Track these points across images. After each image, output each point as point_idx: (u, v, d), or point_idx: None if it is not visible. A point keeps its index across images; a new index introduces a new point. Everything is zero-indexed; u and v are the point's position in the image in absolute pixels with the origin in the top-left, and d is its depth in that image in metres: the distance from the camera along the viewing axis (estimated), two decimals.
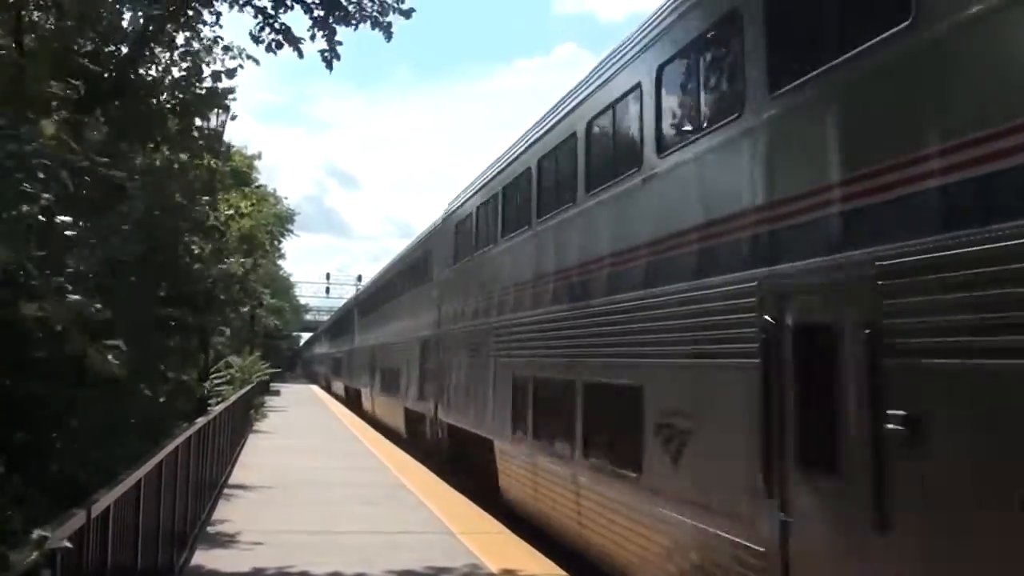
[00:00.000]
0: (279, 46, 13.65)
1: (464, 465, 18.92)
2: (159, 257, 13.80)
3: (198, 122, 15.02)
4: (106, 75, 12.34)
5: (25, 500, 9.56)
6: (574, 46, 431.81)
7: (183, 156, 15.08)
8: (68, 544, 4.69)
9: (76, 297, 6.17)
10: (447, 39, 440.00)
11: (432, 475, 20.64)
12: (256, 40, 13.47)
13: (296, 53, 13.57)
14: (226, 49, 14.27)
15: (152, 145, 14.06)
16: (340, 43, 13.45)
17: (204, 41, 14.08)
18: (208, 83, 13.91)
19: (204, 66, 13.94)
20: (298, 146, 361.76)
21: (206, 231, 16.98)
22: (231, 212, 20.68)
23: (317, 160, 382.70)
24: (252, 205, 27.46)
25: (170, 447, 9.93)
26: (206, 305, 17.09)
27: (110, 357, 7.61)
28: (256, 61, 14.30)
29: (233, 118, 18.32)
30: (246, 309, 30.67)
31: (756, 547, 7.18)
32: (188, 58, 13.93)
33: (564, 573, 11.18)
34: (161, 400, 15.16)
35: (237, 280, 21.88)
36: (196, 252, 16.02)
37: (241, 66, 14.26)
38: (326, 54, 13.40)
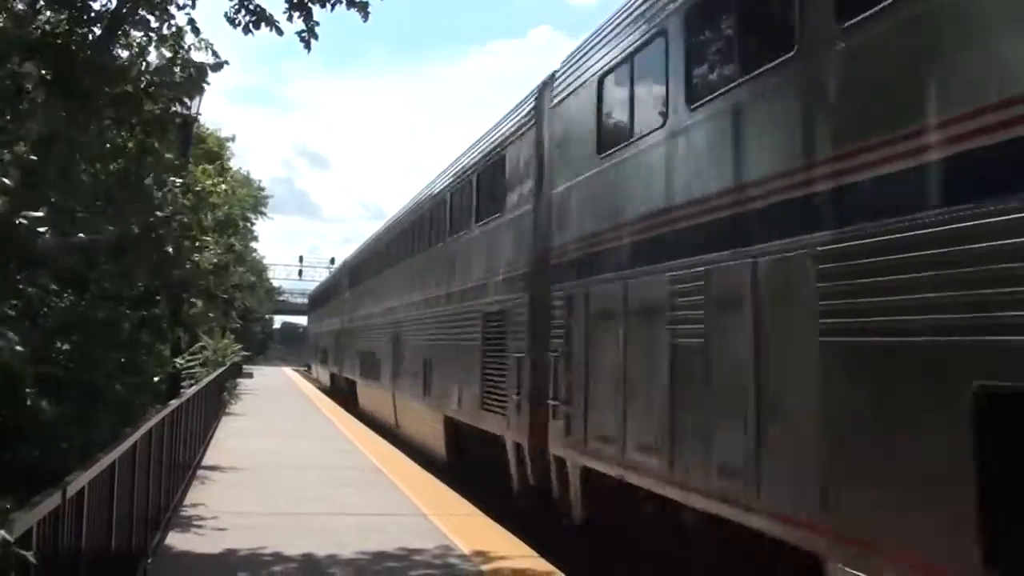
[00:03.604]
0: (255, 26, 13.58)
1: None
2: (133, 248, 13.74)
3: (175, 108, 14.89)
4: (78, 52, 12.24)
5: None
6: (549, 29, 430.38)
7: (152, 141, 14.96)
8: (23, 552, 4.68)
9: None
10: (422, 20, 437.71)
11: (406, 458, 20.74)
12: (232, 22, 13.41)
13: (275, 31, 13.52)
14: (196, 31, 14.12)
15: (126, 128, 13.96)
16: (317, 23, 13.42)
17: (173, 28, 13.92)
18: (188, 70, 13.79)
19: (184, 53, 13.81)
20: (268, 126, 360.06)
21: (179, 211, 16.87)
22: (202, 188, 20.49)
23: (287, 141, 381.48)
24: (224, 186, 27.24)
25: (144, 428, 9.96)
26: (181, 294, 17.00)
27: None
28: (226, 62, 14.15)
29: (201, 91, 18.13)
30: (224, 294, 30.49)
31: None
32: (161, 43, 13.82)
33: (535, 554, 11.32)
34: (135, 381, 15.11)
35: (213, 273, 21.76)
36: (174, 234, 15.91)
37: (223, 63, 14.12)
38: (303, 34, 13.37)
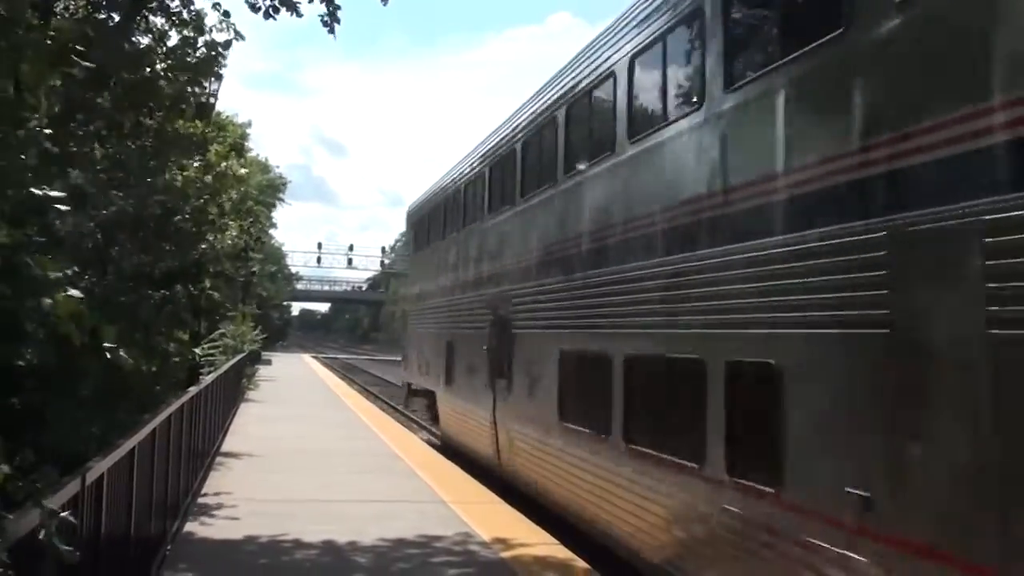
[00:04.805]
0: (275, 10, 13.52)
1: None
2: (153, 224, 13.75)
3: (190, 89, 14.89)
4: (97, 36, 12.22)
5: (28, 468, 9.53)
6: (568, 15, 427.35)
7: (179, 122, 14.95)
8: (70, 518, 4.66)
9: (76, 293, 6.10)
10: (439, 6, 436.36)
11: (425, 445, 20.71)
12: (252, 7, 13.35)
13: (295, 15, 13.46)
14: (217, 9, 14.10)
15: (147, 112, 13.95)
16: (339, 7, 13.35)
17: (193, 10, 13.92)
18: (202, 51, 13.77)
19: (199, 35, 13.78)
20: (286, 114, 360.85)
21: (198, 190, 16.87)
22: (217, 171, 20.49)
23: (305, 128, 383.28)
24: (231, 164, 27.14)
25: (163, 415, 9.94)
26: (198, 276, 17.02)
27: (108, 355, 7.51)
28: (242, 37, 14.12)
29: (219, 78, 18.16)
30: (241, 278, 30.51)
31: None
32: (182, 27, 13.80)
33: (556, 541, 11.26)
34: (153, 370, 15.13)
35: (231, 256, 21.75)
36: (188, 216, 15.93)
37: (240, 37, 14.10)
38: (325, 18, 13.31)
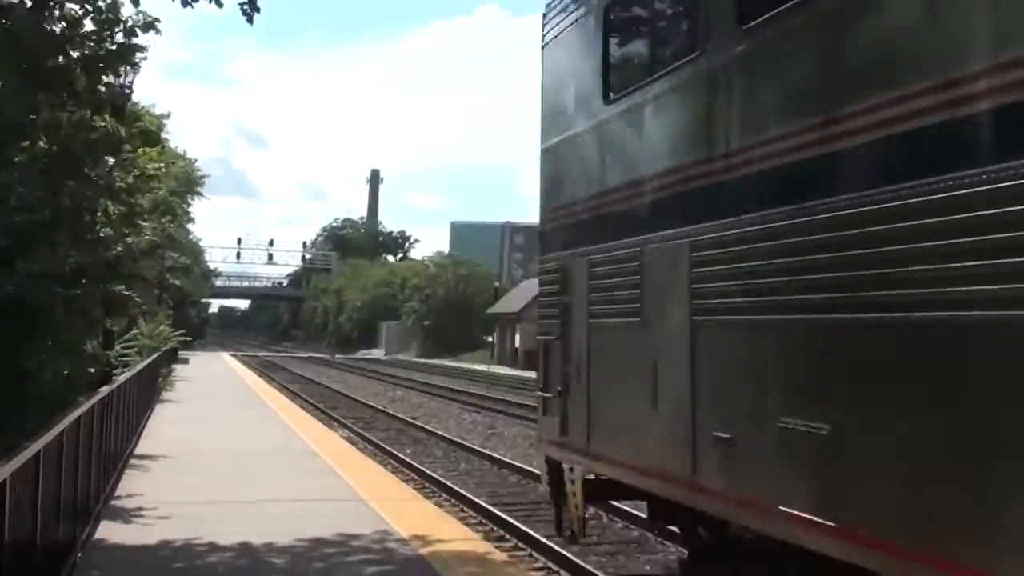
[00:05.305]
0: None
1: None
2: (64, 223, 13.43)
3: (106, 79, 14.55)
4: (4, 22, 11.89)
5: None
6: (495, 7, 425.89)
7: (87, 113, 14.58)
8: None
9: None
10: None
11: (344, 443, 20.60)
12: None
13: (213, 3, 13.24)
14: (135, 2, 13.79)
15: (58, 102, 13.59)
16: None
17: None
18: (119, 38, 13.47)
19: (115, 24, 13.46)
20: (206, 105, 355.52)
21: (113, 194, 16.48)
22: (139, 173, 20.02)
23: (225, 120, 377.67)
24: (159, 166, 26.44)
25: (72, 417, 9.73)
26: (110, 276, 16.63)
27: None
28: (158, 31, 13.85)
29: (136, 67, 17.81)
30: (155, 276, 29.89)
31: None
32: (99, 13, 13.47)
33: (473, 534, 11.31)
34: (66, 372, 14.78)
35: (146, 253, 21.33)
36: (103, 215, 15.56)
37: (157, 31, 13.81)
38: (245, 7, 13.11)
